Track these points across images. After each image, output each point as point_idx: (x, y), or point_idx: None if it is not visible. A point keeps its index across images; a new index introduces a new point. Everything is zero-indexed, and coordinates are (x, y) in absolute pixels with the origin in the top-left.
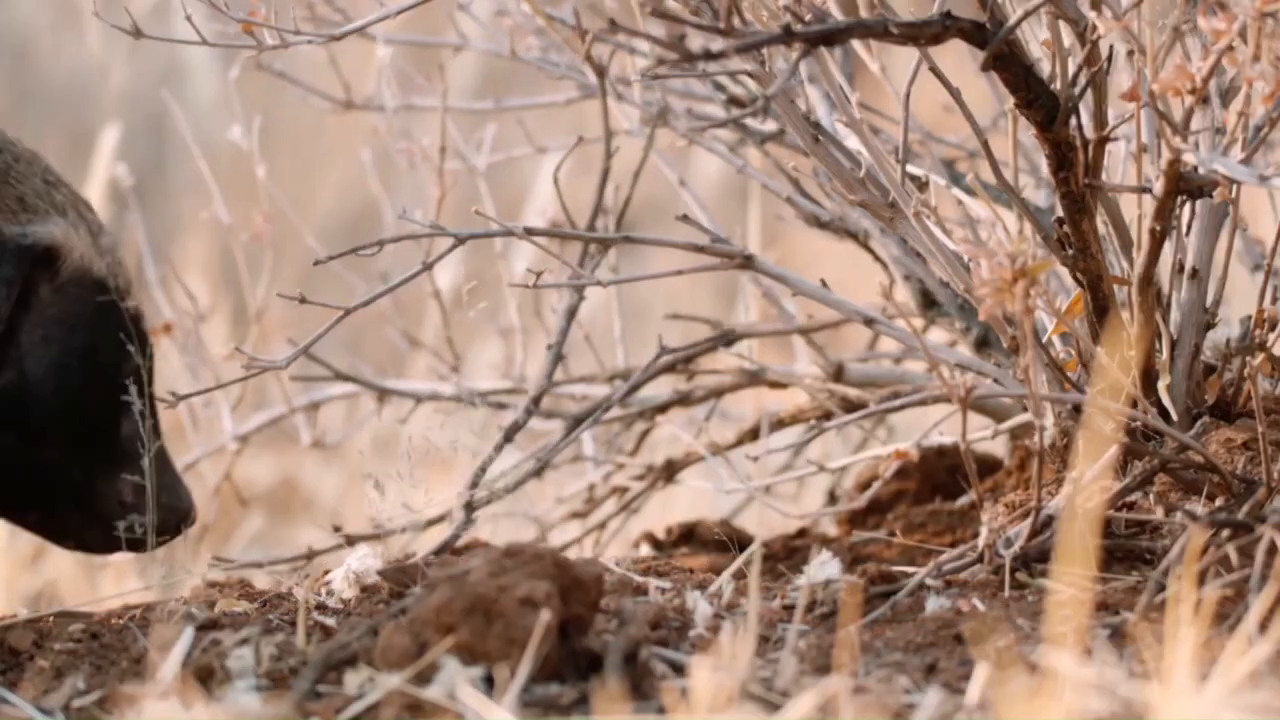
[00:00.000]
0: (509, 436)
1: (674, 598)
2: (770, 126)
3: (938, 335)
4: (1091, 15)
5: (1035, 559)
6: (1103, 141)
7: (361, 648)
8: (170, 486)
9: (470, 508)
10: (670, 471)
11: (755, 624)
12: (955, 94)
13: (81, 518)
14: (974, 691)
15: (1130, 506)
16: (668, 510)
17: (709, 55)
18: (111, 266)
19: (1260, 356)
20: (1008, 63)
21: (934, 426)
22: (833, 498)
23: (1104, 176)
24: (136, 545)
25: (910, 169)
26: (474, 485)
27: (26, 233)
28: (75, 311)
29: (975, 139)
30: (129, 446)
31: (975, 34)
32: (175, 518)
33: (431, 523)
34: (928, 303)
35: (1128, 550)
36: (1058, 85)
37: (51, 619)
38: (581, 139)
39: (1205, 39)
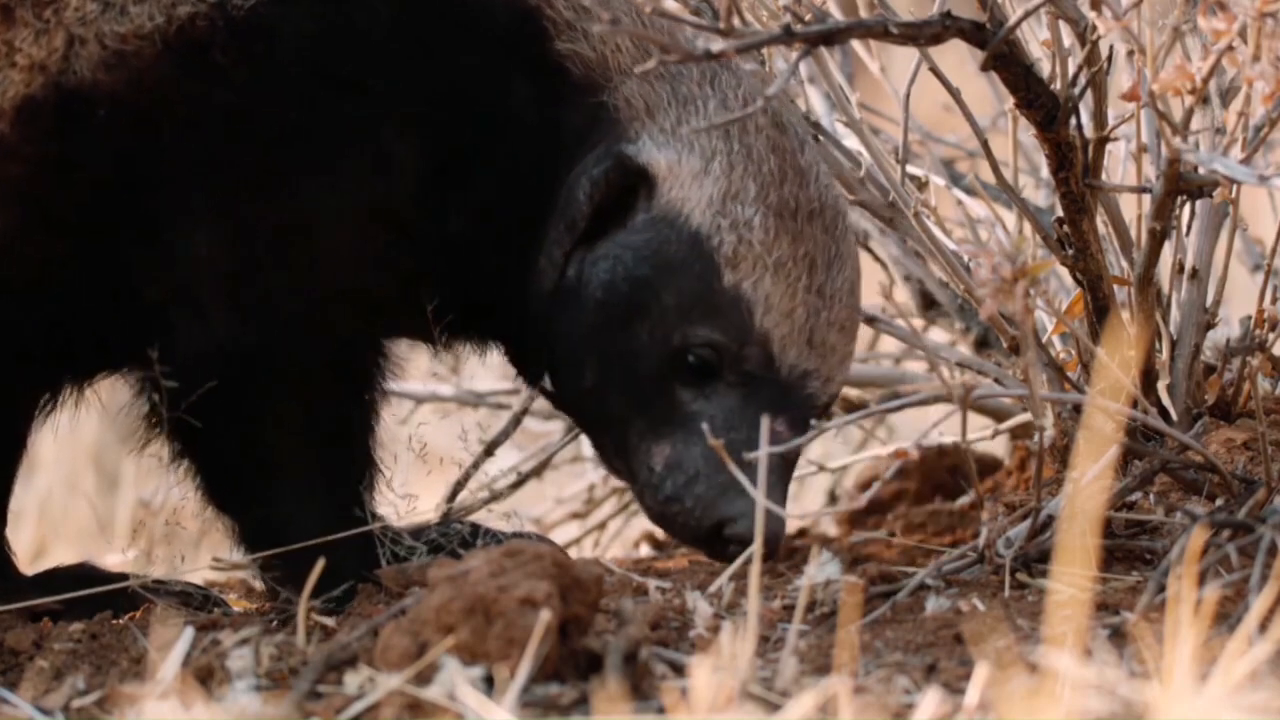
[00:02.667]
0: (490, 450)
1: (674, 598)
2: None
3: (937, 335)
4: (1091, 15)
5: (1035, 559)
6: (1103, 141)
7: (361, 648)
8: (721, 485)
9: (449, 514)
10: None
11: (755, 624)
12: (955, 94)
13: (621, 464)
14: (974, 691)
15: (1130, 506)
16: None
17: (710, 55)
18: (724, 231)
19: (1260, 356)
20: (1007, 62)
21: (934, 426)
22: (833, 498)
23: (1104, 176)
24: (671, 526)
25: (910, 169)
26: (453, 495)
27: (637, 148)
28: (650, 245)
29: (975, 139)
30: (690, 420)
31: (975, 34)
32: (702, 520)
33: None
34: (927, 303)
35: (1128, 550)
36: (1057, 85)
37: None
38: None
39: (1205, 39)
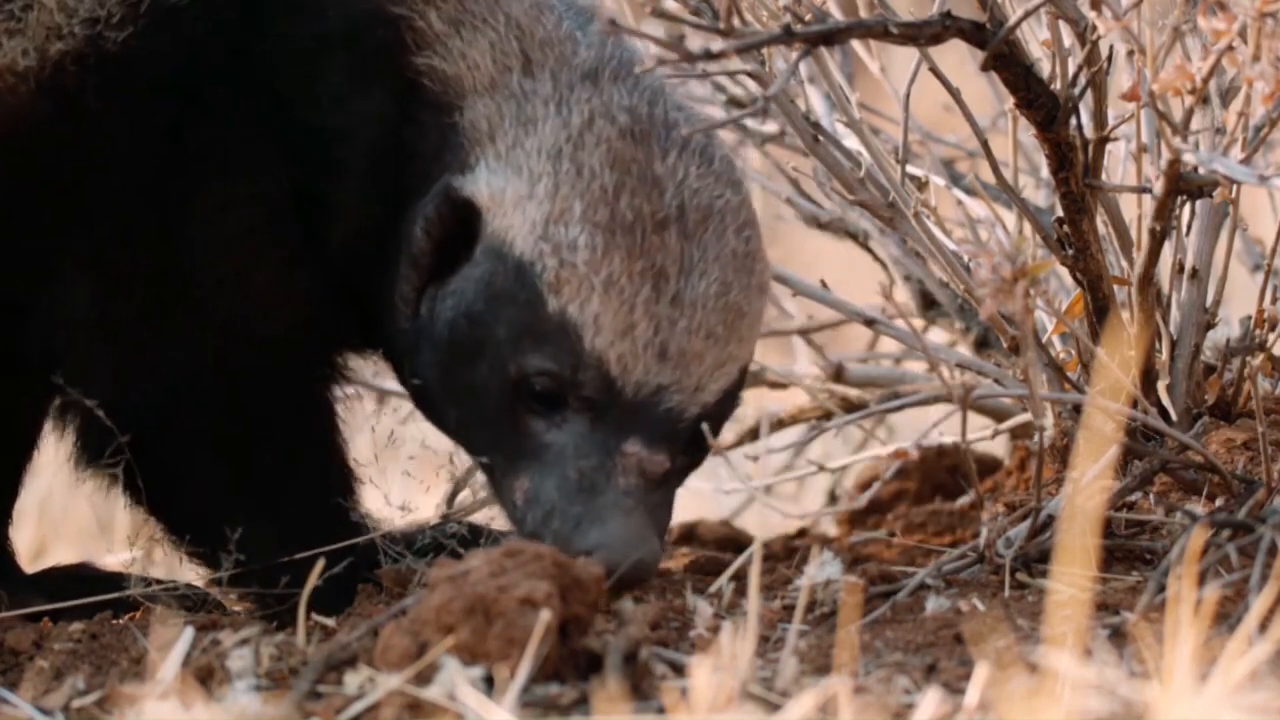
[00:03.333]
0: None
1: (674, 598)
2: (770, 128)
3: (937, 335)
4: (1091, 15)
5: (1035, 559)
6: (1103, 141)
7: (361, 648)
8: (575, 519)
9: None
10: None
11: (755, 624)
12: (955, 94)
13: (498, 493)
14: (974, 692)
15: (1130, 507)
16: None
17: (709, 55)
18: (546, 256)
19: (1260, 356)
20: (1007, 62)
21: (934, 426)
22: (833, 498)
23: (1104, 176)
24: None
25: (910, 169)
26: (453, 496)
27: (461, 179)
28: (482, 278)
29: (975, 139)
30: (543, 451)
31: (975, 34)
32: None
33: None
34: (927, 303)
35: (1128, 550)
36: (1057, 85)
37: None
38: None
39: (1205, 39)
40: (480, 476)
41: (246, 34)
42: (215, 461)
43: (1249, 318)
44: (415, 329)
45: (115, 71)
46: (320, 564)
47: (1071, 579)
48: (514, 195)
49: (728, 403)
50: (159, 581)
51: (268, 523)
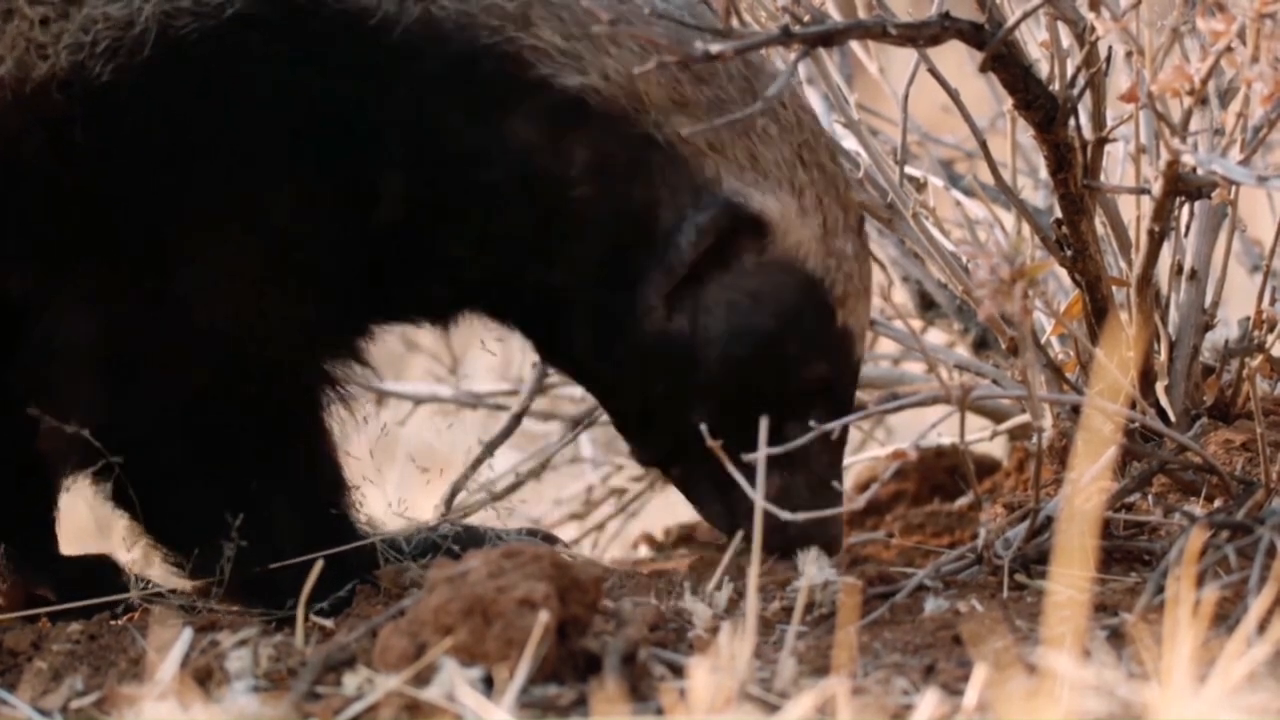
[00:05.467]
0: (489, 451)
1: (672, 599)
2: None
3: (936, 336)
4: (1090, 16)
5: (1034, 560)
6: (1101, 142)
7: (360, 649)
8: (824, 513)
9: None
10: None
11: (754, 625)
12: (954, 95)
13: (717, 497)
14: (972, 692)
15: (1129, 508)
16: (666, 512)
17: (708, 56)
18: (833, 271)
19: (1259, 357)
20: (1006, 63)
21: (932, 428)
22: None
23: (1102, 177)
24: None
25: (908, 170)
26: (452, 496)
27: (744, 193)
28: (769, 289)
29: (974, 140)
30: (794, 451)
31: (973, 35)
32: (785, 542)
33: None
34: (926, 304)
35: (1126, 551)
36: (1056, 86)
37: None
38: None
39: (1204, 40)
40: (490, 476)
41: (308, 66)
42: (206, 481)
43: (1248, 319)
44: (668, 337)
45: (109, 97)
46: (319, 565)
47: (1070, 580)
48: (795, 209)
49: None
50: (170, 593)
51: (261, 537)
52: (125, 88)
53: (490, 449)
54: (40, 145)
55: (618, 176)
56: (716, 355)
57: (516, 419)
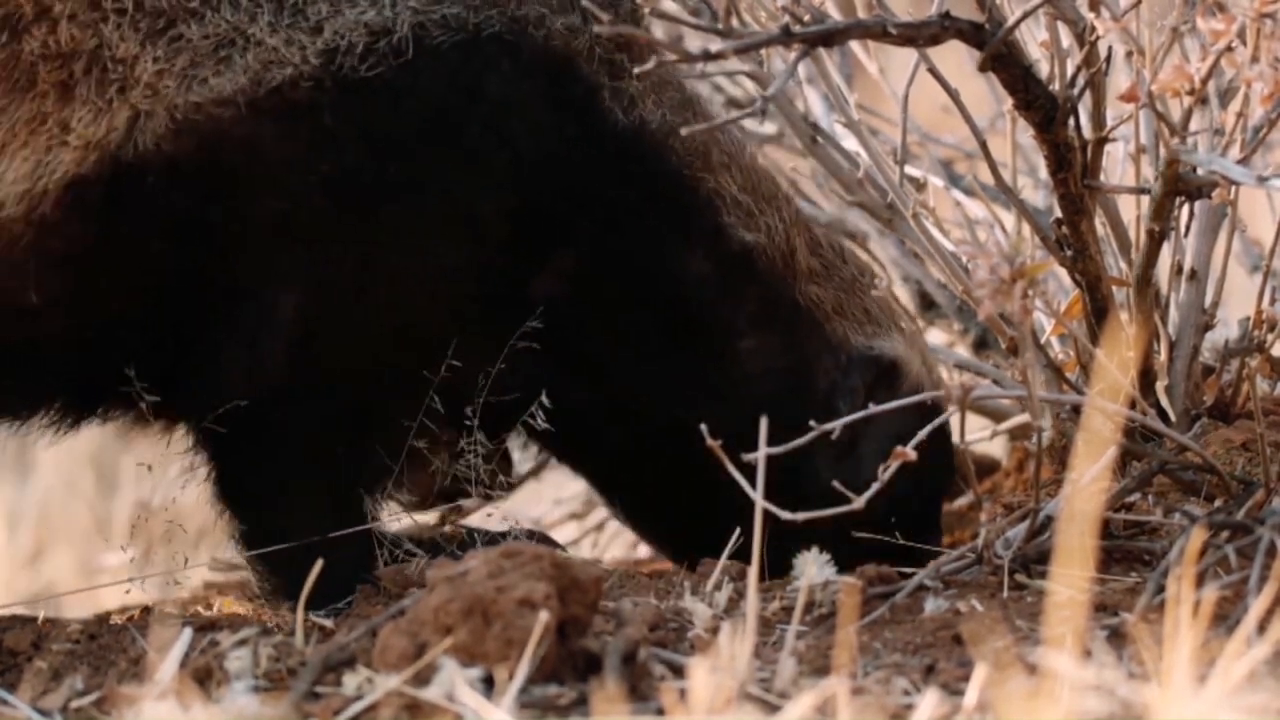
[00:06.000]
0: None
1: (672, 599)
2: (768, 128)
3: (936, 336)
4: (1090, 16)
5: (1034, 560)
6: (1101, 142)
7: (360, 649)
8: None
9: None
10: None
11: (754, 625)
12: (954, 95)
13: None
14: (973, 692)
15: (1129, 508)
16: None
17: (708, 56)
18: (936, 382)
19: (1259, 357)
20: (1006, 63)
21: (932, 427)
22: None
23: (1102, 177)
24: None
25: (908, 170)
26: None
27: (873, 346)
28: (907, 427)
29: (974, 140)
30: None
31: (973, 35)
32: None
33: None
34: (926, 304)
35: (1126, 551)
36: (1056, 86)
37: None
38: None
39: (1204, 40)
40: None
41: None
42: (311, 446)
43: (1247, 319)
44: (840, 464)
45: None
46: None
47: (1070, 580)
48: (904, 346)
49: None
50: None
51: (312, 512)
52: (379, 82)
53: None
54: (276, 134)
55: (778, 334)
56: (864, 473)
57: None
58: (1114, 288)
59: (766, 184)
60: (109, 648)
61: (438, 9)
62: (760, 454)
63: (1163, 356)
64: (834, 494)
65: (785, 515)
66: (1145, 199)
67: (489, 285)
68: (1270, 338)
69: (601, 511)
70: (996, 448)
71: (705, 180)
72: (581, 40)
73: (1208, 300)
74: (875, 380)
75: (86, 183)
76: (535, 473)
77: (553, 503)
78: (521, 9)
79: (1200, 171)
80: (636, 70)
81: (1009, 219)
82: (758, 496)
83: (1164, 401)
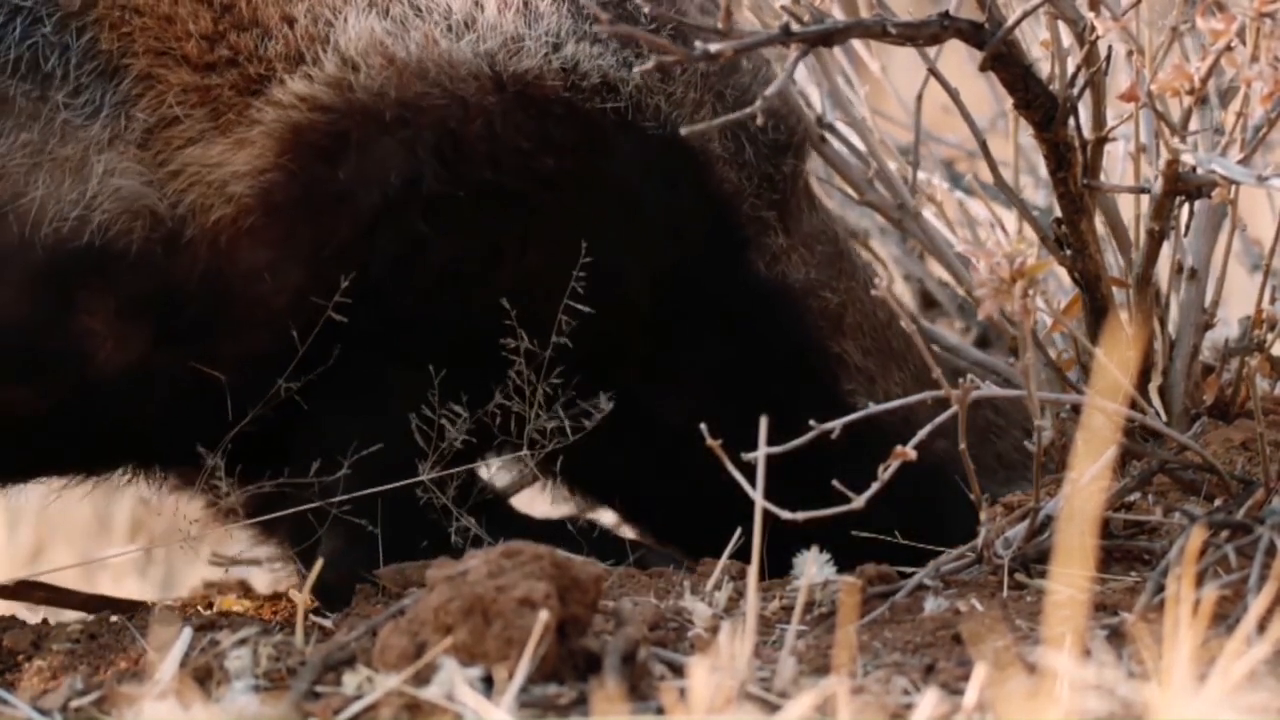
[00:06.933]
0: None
1: (672, 598)
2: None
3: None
4: (1090, 16)
5: (1034, 559)
6: (1101, 142)
7: (360, 648)
8: None
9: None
10: None
11: (754, 624)
12: (954, 95)
13: None
14: (972, 692)
15: (1129, 507)
16: None
17: (708, 56)
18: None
19: (1259, 357)
20: (1006, 63)
21: (932, 426)
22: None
23: (1102, 177)
24: None
25: (909, 170)
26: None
27: (1004, 494)
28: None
29: (974, 139)
30: None
31: (973, 34)
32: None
33: None
34: (927, 302)
35: (1126, 551)
36: (1056, 85)
37: (49, 621)
38: None
39: (1204, 39)
40: (489, 475)
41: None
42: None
43: (1248, 318)
44: None
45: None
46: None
47: (1070, 579)
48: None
49: None
50: None
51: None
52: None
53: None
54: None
55: None
56: None
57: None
58: (1114, 287)
59: (895, 340)
60: (109, 647)
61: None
62: (760, 453)
63: (1163, 356)
64: None
65: (789, 517)
66: (1145, 198)
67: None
68: (1270, 337)
69: (601, 512)
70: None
71: (832, 346)
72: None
73: (1208, 299)
74: None
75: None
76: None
77: (553, 502)
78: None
79: (1200, 171)
80: (636, 70)
81: (1010, 218)
82: (758, 497)
83: (1163, 401)
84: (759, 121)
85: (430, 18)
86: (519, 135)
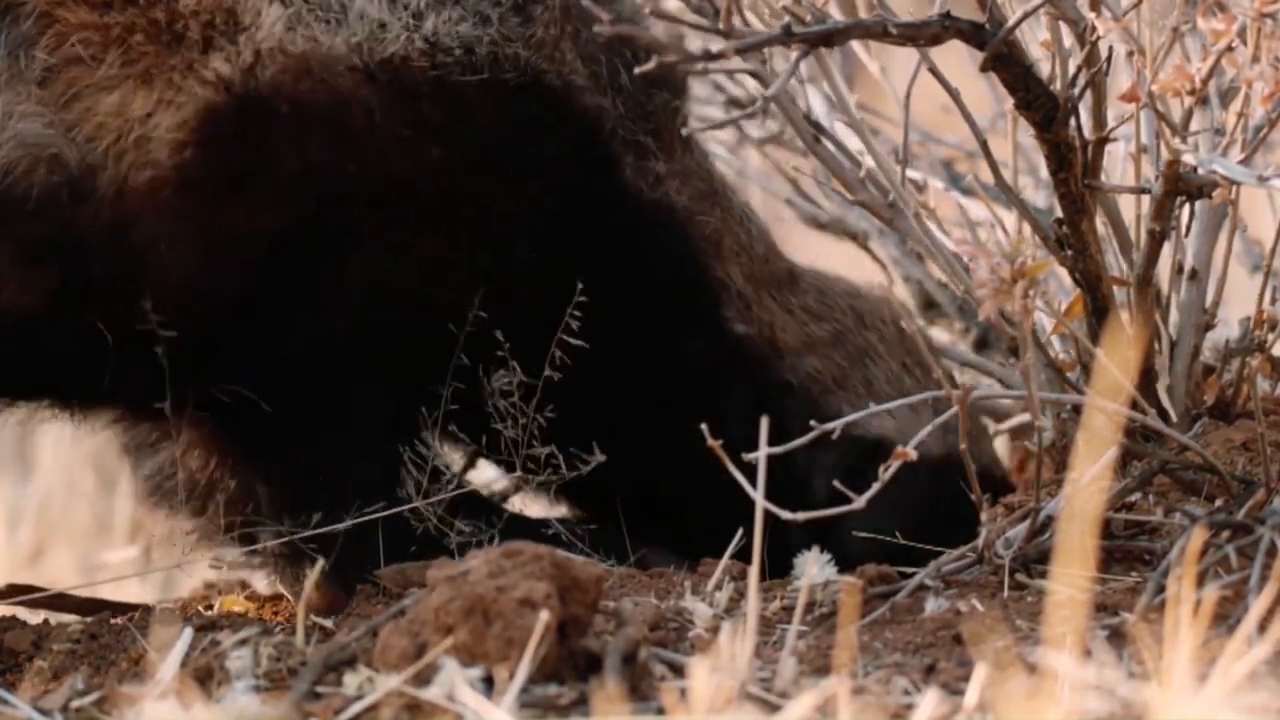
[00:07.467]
0: (474, 459)
1: (673, 598)
2: (769, 127)
3: (937, 336)
4: (1091, 16)
5: (1034, 560)
6: (1102, 142)
7: (360, 648)
8: None
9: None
10: None
11: (754, 625)
12: (954, 95)
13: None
14: (973, 692)
15: (1129, 507)
16: None
17: (709, 56)
18: (943, 455)
19: (1259, 357)
20: (1007, 63)
21: (933, 427)
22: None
23: (1103, 177)
24: None
25: (909, 172)
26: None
27: (861, 424)
28: (907, 499)
29: (974, 140)
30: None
31: (974, 35)
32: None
33: None
34: (927, 303)
35: (1127, 551)
36: (1057, 86)
37: (50, 621)
38: None
39: (1204, 40)
40: (490, 476)
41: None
42: None
43: (1248, 318)
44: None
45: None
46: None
47: (1070, 580)
48: (909, 418)
49: None
50: None
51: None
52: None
53: (474, 457)
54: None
55: (766, 417)
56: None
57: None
58: (1115, 287)
59: (775, 266)
60: (110, 647)
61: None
62: (761, 453)
63: (1163, 356)
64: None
65: (790, 517)
66: (1146, 199)
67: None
68: (1271, 337)
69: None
70: (997, 448)
71: (714, 268)
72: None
73: (1208, 300)
74: (856, 460)
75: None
76: None
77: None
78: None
79: (1201, 171)
80: (637, 70)
81: (1010, 219)
82: (759, 497)
83: (1165, 401)
84: (631, 54)
85: (315, 13)
86: (398, 124)
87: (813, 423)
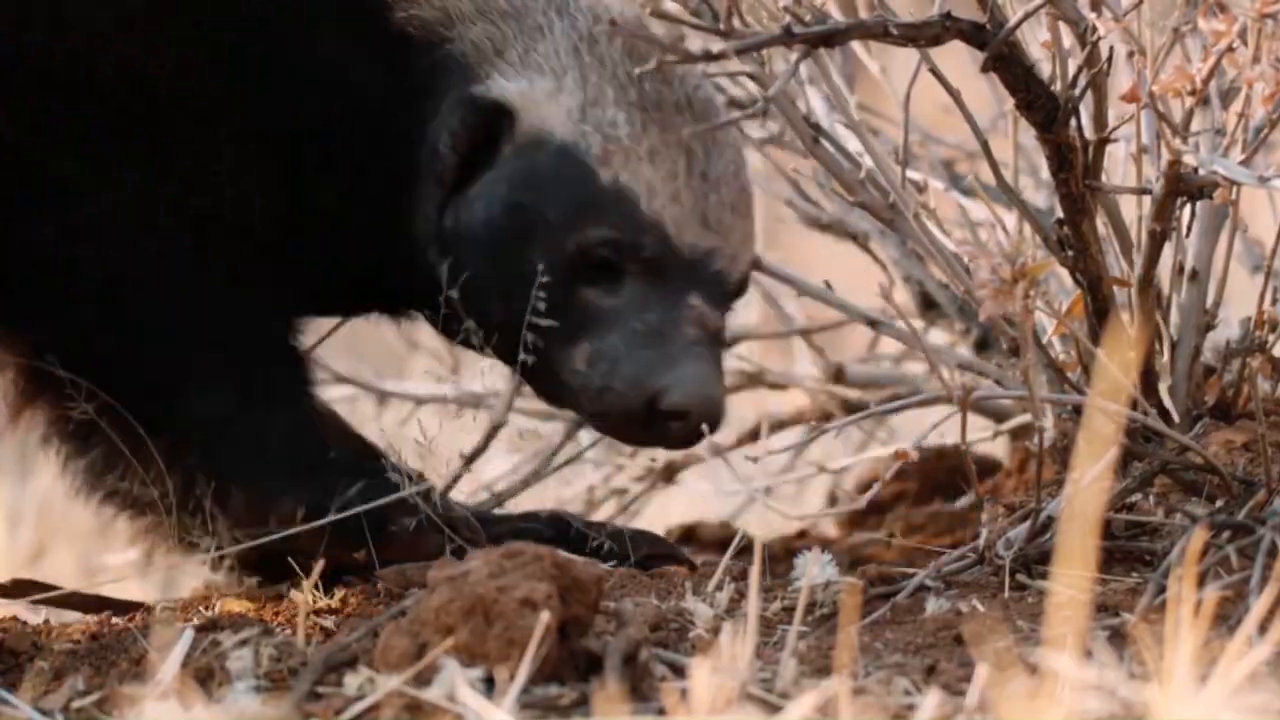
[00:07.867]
0: (469, 462)
1: (674, 599)
2: (770, 128)
3: (937, 336)
4: (1091, 16)
5: (1035, 560)
6: (1103, 143)
7: (361, 649)
8: (647, 361)
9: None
10: (670, 473)
11: (755, 625)
12: (955, 95)
13: (553, 388)
14: (974, 693)
15: (1130, 508)
16: (667, 512)
17: (709, 56)
18: (589, 136)
19: (1260, 358)
20: (1008, 64)
21: (934, 428)
22: (833, 499)
23: (1104, 178)
24: (609, 420)
25: (909, 172)
26: (445, 491)
27: (488, 88)
28: (520, 170)
29: (975, 140)
30: (604, 315)
31: (975, 35)
32: (636, 398)
33: None
34: (927, 304)
35: (1127, 551)
36: (1058, 86)
37: (51, 622)
38: None
39: (1205, 40)
40: (490, 476)
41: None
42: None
43: (1249, 319)
44: (441, 245)
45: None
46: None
47: (1071, 580)
48: (544, 90)
49: (746, 286)
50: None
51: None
52: None
53: (470, 460)
54: None
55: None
56: (477, 243)
57: (494, 430)
58: (1115, 288)
59: None
60: (110, 648)
61: None
62: (762, 452)
63: (1164, 357)
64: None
65: (790, 517)
66: (1147, 199)
67: None
68: (1271, 338)
69: (602, 511)
70: (998, 448)
71: None
72: None
73: (1209, 300)
74: (484, 122)
75: None
76: (537, 473)
77: (554, 502)
78: None
79: (1202, 172)
80: (638, 70)
81: (1011, 219)
82: (760, 497)
83: (1165, 402)
84: None
85: None
86: None
87: None
